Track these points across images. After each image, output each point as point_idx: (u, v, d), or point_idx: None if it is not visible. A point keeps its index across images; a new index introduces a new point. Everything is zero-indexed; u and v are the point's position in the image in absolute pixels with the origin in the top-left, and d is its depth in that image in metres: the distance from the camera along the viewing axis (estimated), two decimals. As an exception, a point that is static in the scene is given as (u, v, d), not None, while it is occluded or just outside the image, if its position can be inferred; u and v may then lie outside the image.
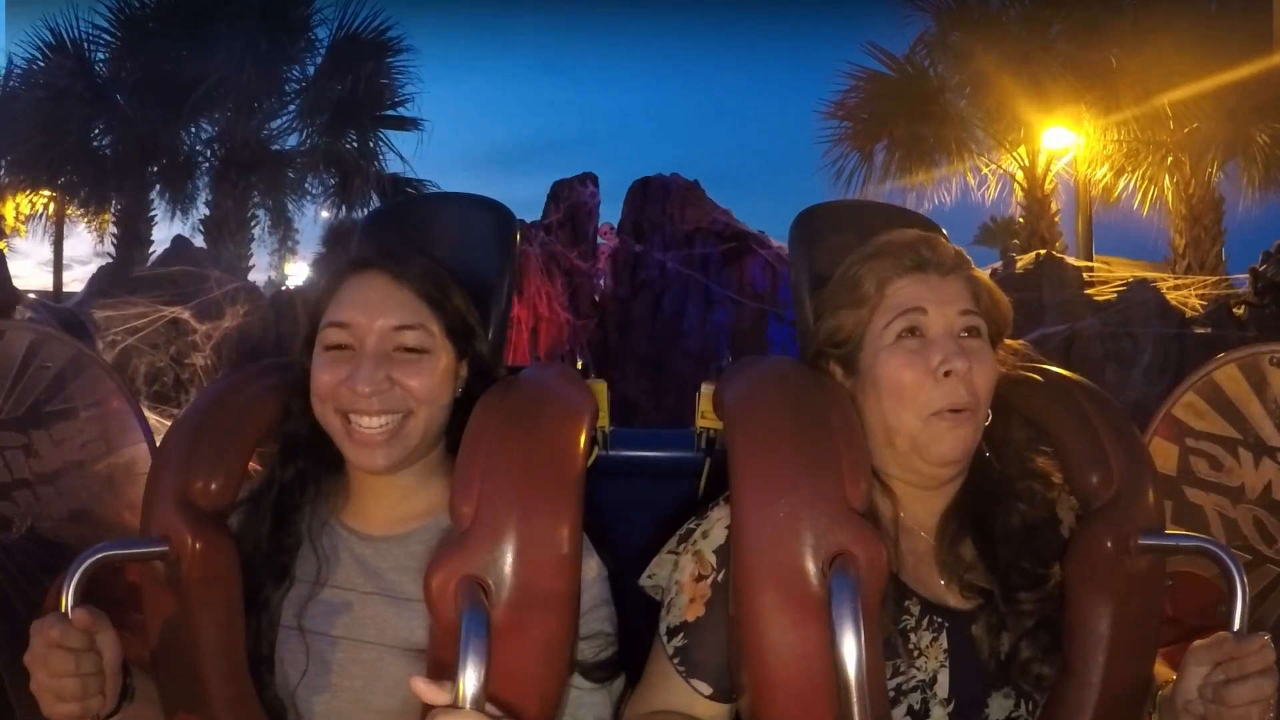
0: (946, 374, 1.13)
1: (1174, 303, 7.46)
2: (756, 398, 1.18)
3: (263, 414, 1.25)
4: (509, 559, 1.03)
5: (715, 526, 1.20)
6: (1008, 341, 1.27)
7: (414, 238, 1.32)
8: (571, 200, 10.20)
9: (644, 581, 1.28)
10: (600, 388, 1.48)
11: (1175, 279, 8.47)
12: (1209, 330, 7.05)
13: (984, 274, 1.23)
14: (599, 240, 10.56)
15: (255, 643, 1.19)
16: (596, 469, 1.29)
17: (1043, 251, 8.43)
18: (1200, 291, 7.78)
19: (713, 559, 1.19)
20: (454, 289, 1.26)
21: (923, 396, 1.15)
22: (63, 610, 1.00)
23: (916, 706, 1.14)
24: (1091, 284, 7.63)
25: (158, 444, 1.42)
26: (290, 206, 12.58)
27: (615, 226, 10.54)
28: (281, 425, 1.26)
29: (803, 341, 1.39)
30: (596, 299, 10.04)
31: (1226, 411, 1.84)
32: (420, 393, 1.18)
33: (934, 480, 1.20)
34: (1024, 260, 8.05)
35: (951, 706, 1.15)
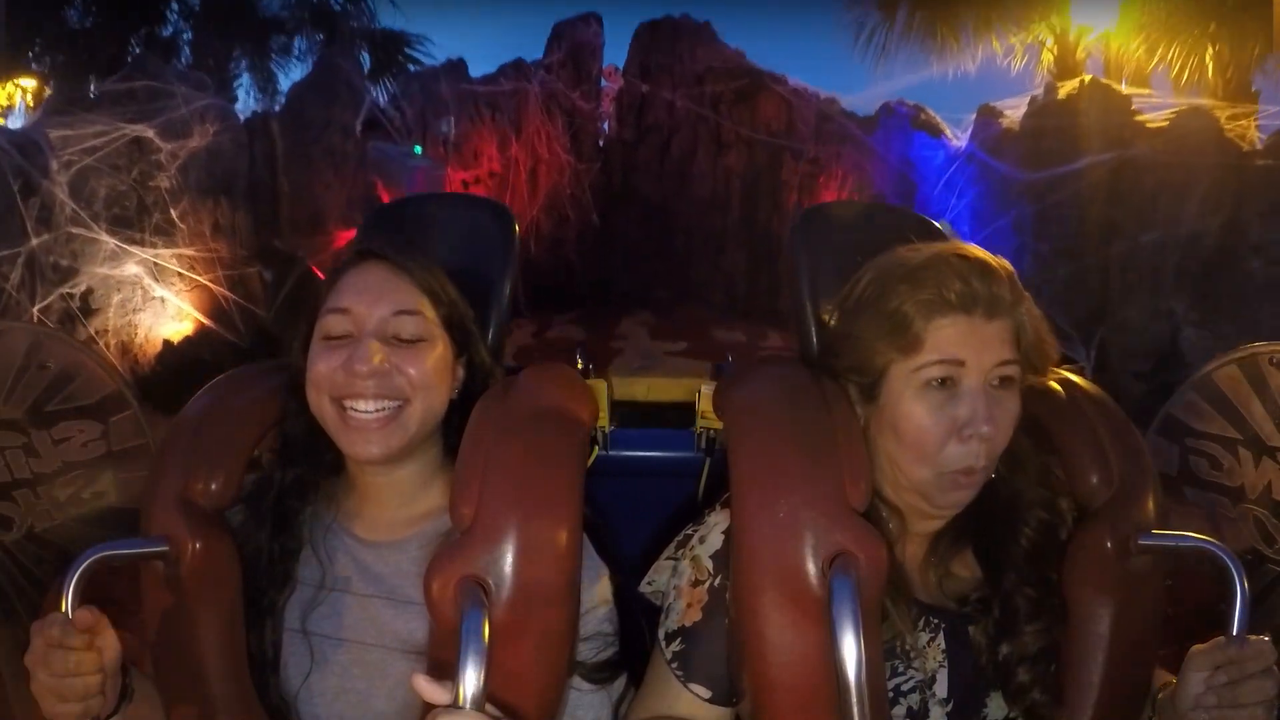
0: (970, 437, 1.10)
1: (1231, 135, 6.67)
2: (757, 398, 1.18)
3: (263, 414, 1.25)
4: (509, 559, 1.03)
5: (712, 532, 1.20)
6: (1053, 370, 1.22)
7: (414, 238, 1.32)
8: (573, 39, 9.58)
9: (644, 588, 1.28)
10: (600, 387, 1.48)
11: (1232, 107, 7.54)
12: (1271, 162, 6.32)
13: (1034, 309, 1.15)
14: (602, 82, 9.83)
15: (259, 645, 1.19)
16: (596, 469, 1.29)
17: (1087, 77, 7.47)
18: (1261, 123, 7.05)
19: (709, 564, 1.18)
20: (453, 287, 1.27)
21: (943, 455, 1.11)
22: (63, 610, 1.00)
23: (915, 707, 1.14)
24: (1140, 111, 6.79)
25: (158, 444, 1.42)
26: (276, 70, 11.69)
27: (620, 68, 9.89)
28: (280, 426, 1.25)
29: (803, 343, 1.38)
30: (600, 143, 9.28)
31: (1226, 411, 1.83)
32: (418, 379, 1.18)
33: (931, 517, 1.19)
34: (1067, 87, 7.09)
35: (950, 706, 1.15)
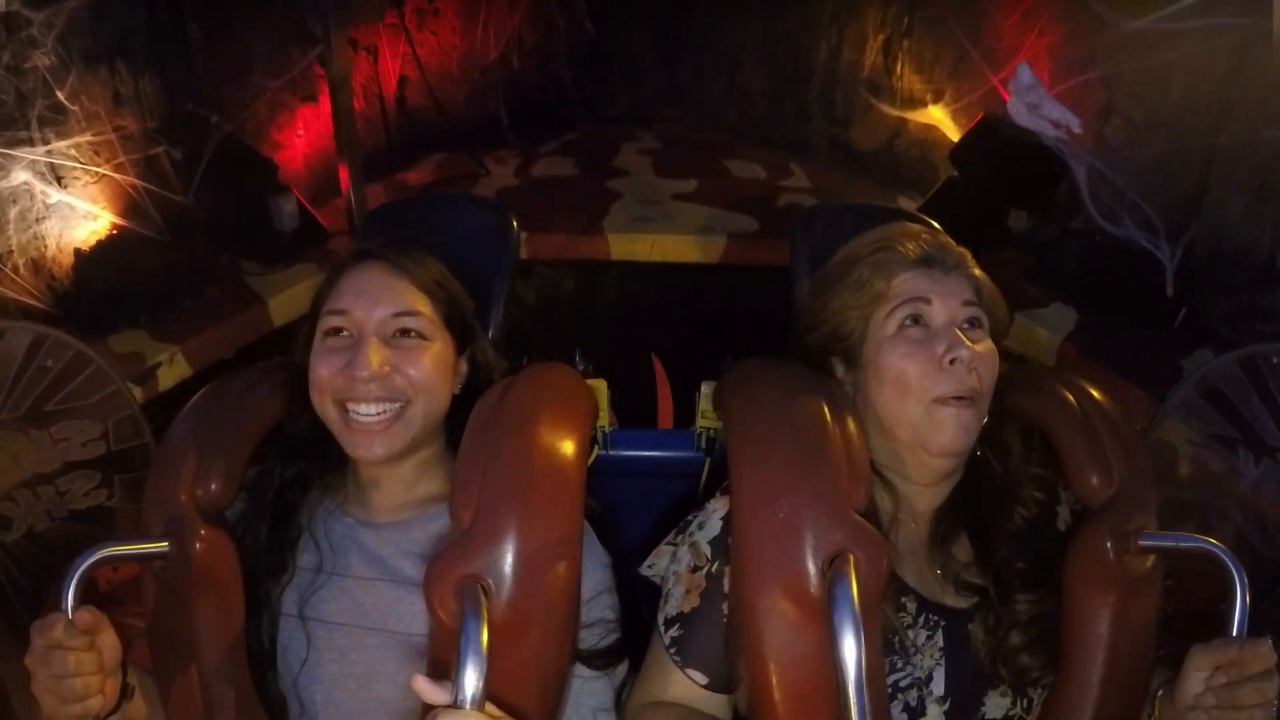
0: (951, 362, 1.13)
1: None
2: (757, 398, 1.18)
3: (263, 414, 1.25)
4: (509, 559, 1.03)
5: (711, 518, 1.21)
6: (1006, 345, 1.26)
7: (413, 238, 1.32)
8: None
9: (644, 570, 1.29)
10: (600, 387, 1.48)
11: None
12: None
13: (983, 273, 1.24)
14: None
15: (257, 636, 1.19)
16: (596, 469, 1.29)
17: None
18: None
19: (707, 550, 1.19)
20: (453, 282, 1.27)
21: (927, 384, 1.14)
22: (63, 610, 1.00)
23: (913, 704, 1.14)
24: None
25: (158, 444, 1.42)
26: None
27: None
28: (283, 424, 1.26)
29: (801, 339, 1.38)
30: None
31: (1226, 411, 1.84)
32: (419, 380, 1.19)
33: (934, 475, 1.20)
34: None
35: (947, 704, 1.15)
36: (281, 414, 1.26)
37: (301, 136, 3.47)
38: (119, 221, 2.59)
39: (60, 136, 2.49)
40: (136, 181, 2.65)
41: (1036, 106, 3.31)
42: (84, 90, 2.55)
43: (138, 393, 2.29)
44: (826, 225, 1.54)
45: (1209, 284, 2.68)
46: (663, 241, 3.36)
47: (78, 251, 2.47)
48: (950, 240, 1.25)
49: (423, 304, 1.22)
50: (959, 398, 1.14)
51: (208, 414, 1.23)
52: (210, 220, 2.87)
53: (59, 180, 2.48)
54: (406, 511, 1.24)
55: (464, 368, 1.28)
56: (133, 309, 2.56)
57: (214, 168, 2.86)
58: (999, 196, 3.08)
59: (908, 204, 3.45)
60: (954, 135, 3.52)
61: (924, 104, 3.92)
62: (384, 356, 1.17)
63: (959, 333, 1.16)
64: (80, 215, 2.53)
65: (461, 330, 1.27)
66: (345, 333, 1.19)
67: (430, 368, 1.20)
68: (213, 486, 1.16)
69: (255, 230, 2.96)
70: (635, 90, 4.91)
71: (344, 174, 3.15)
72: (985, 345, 1.17)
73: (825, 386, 1.19)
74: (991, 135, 3.25)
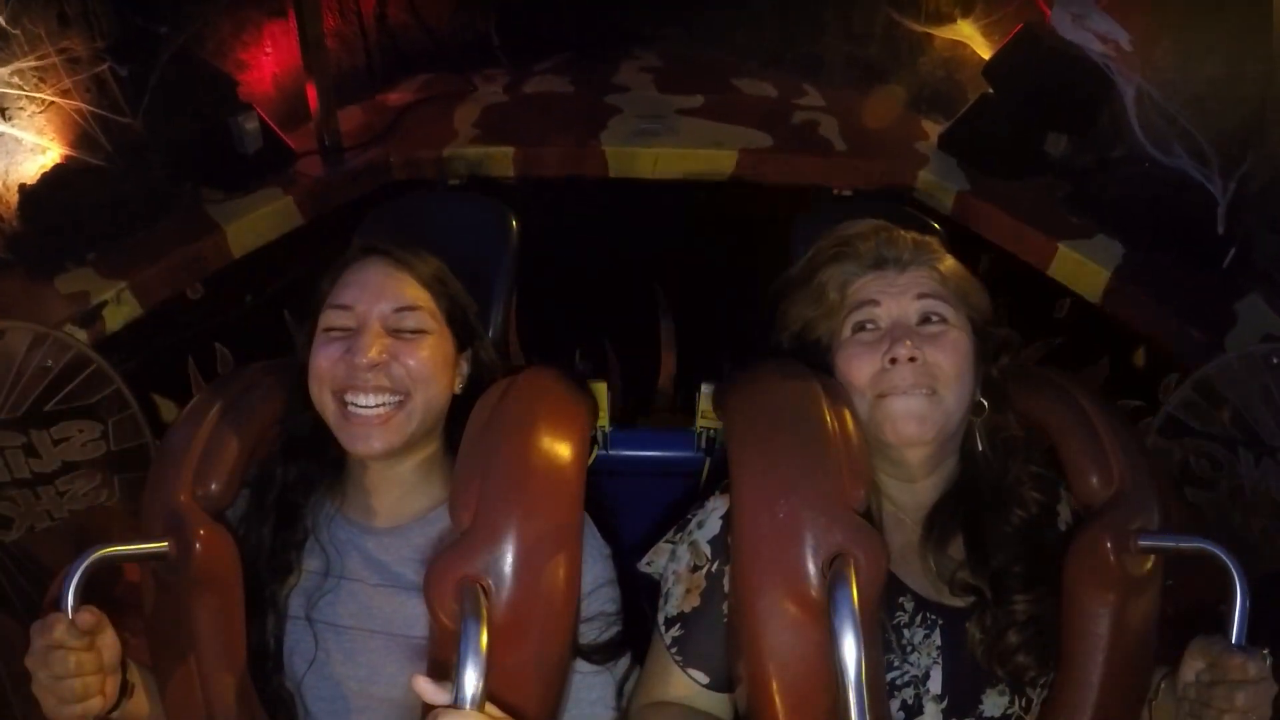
0: (892, 361, 1.15)
1: None
2: (757, 398, 1.18)
3: (263, 414, 1.25)
4: (508, 559, 1.03)
5: (710, 517, 1.21)
6: (1001, 331, 1.27)
7: (413, 238, 1.32)
8: None
9: (643, 567, 1.29)
10: (600, 388, 1.48)
11: None
12: None
13: (955, 263, 1.25)
14: None
15: (261, 638, 1.19)
16: (596, 469, 1.29)
17: None
18: None
19: (707, 549, 1.19)
20: (454, 280, 1.28)
21: (874, 381, 1.16)
22: (63, 610, 1.00)
23: (910, 702, 1.15)
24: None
25: (159, 444, 1.41)
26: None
27: None
28: (284, 423, 1.26)
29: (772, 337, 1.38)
30: None
31: (1226, 411, 1.84)
32: (417, 371, 1.18)
33: (918, 468, 1.20)
34: None
35: (945, 703, 1.15)
36: (282, 414, 1.26)
37: (270, 55, 3.17)
38: (68, 152, 2.33)
39: (1, 64, 2.22)
40: (83, 106, 2.35)
41: (1082, 17, 2.87)
42: (25, 11, 2.27)
43: (82, 336, 2.05)
44: (827, 224, 1.54)
45: (1259, 221, 2.42)
46: (666, 156, 2.97)
47: (23, 188, 2.24)
48: (907, 235, 1.25)
49: (424, 299, 1.22)
50: (907, 390, 1.15)
51: (207, 414, 1.23)
52: (163, 143, 2.57)
53: (2, 112, 2.24)
54: (406, 517, 1.24)
55: (465, 367, 1.28)
56: (80, 246, 2.30)
57: (164, 85, 2.57)
58: (1036, 116, 2.79)
59: (932, 127, 3.14)
60: (984, 53, 3.17)
61: (951, 19, 3.50)
62: (384, 345, 1.17)
63: (907, 330, 1.17)
64: (27, 149, 2.29)
65: (462, 328, 1.27)
66: (347, 327, 1.20)
67: (429, 359, 1.20)
68: (213, 486, 1.16)
69: (214, 153, 2.67)
70: (635, 7, 4.41)
71: (312, 94, 2.88)
72: (942, 336, 1.17)
73: (826, 386, 1.19)
74: (1032, 48, 2.86)
